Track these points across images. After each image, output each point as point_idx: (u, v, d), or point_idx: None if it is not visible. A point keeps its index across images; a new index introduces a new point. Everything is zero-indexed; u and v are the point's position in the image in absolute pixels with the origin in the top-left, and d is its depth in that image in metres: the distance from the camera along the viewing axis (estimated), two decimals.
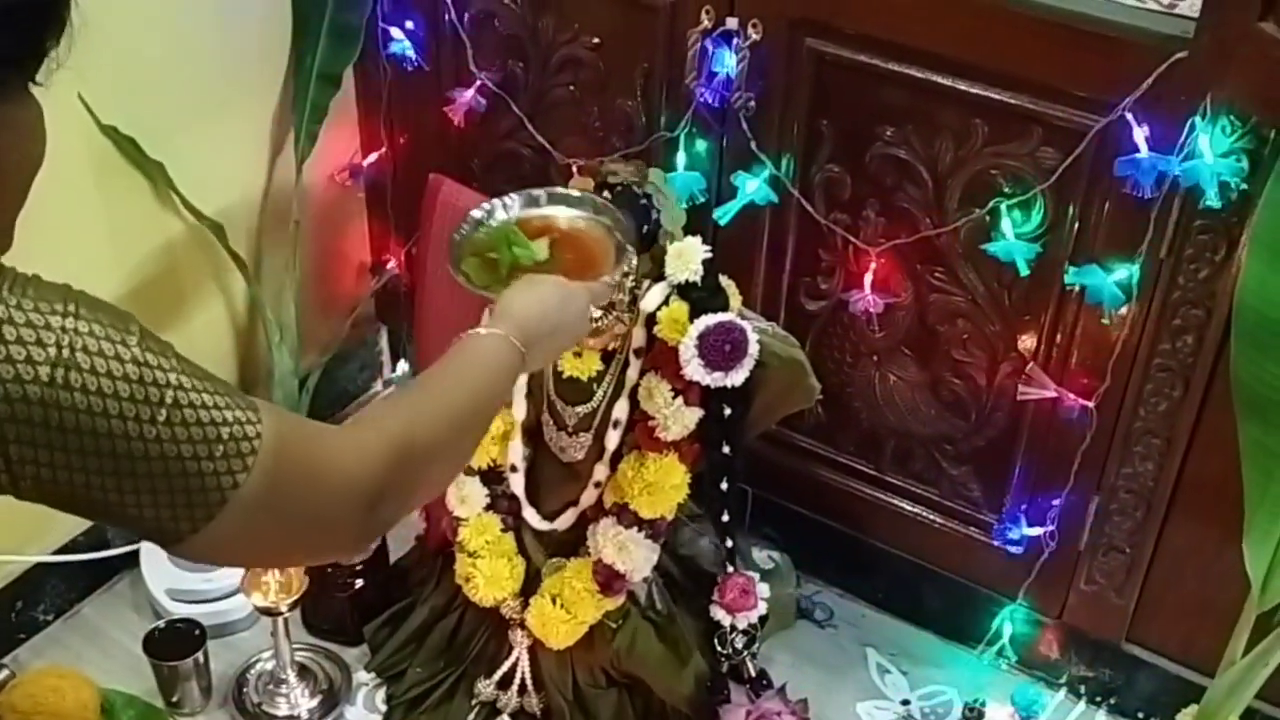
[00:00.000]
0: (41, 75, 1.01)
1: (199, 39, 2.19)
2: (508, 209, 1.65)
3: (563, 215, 1.65)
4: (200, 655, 2.12)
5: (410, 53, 2.31)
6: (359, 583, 2.22)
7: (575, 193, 1.67)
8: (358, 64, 2.35)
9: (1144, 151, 1.69)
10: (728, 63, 1.95)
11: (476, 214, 1.64)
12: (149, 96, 2.12)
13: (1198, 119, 1.65)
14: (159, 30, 2.11)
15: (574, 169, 1.95)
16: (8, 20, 0.97)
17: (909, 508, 2.19)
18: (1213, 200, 1.67)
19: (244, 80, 2.30)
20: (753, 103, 1.98)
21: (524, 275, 1.50)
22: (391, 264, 2.57)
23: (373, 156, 2.50)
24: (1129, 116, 1.69)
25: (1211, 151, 1.65)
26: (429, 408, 1.22)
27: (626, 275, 1.74)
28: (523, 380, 1.95)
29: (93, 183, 2.10)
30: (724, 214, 2.03)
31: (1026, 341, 1.95)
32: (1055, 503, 2.00)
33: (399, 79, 2.36)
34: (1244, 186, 1.67)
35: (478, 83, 2.24)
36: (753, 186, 2.01)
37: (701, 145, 2.06)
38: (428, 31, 2.29)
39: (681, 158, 2.07)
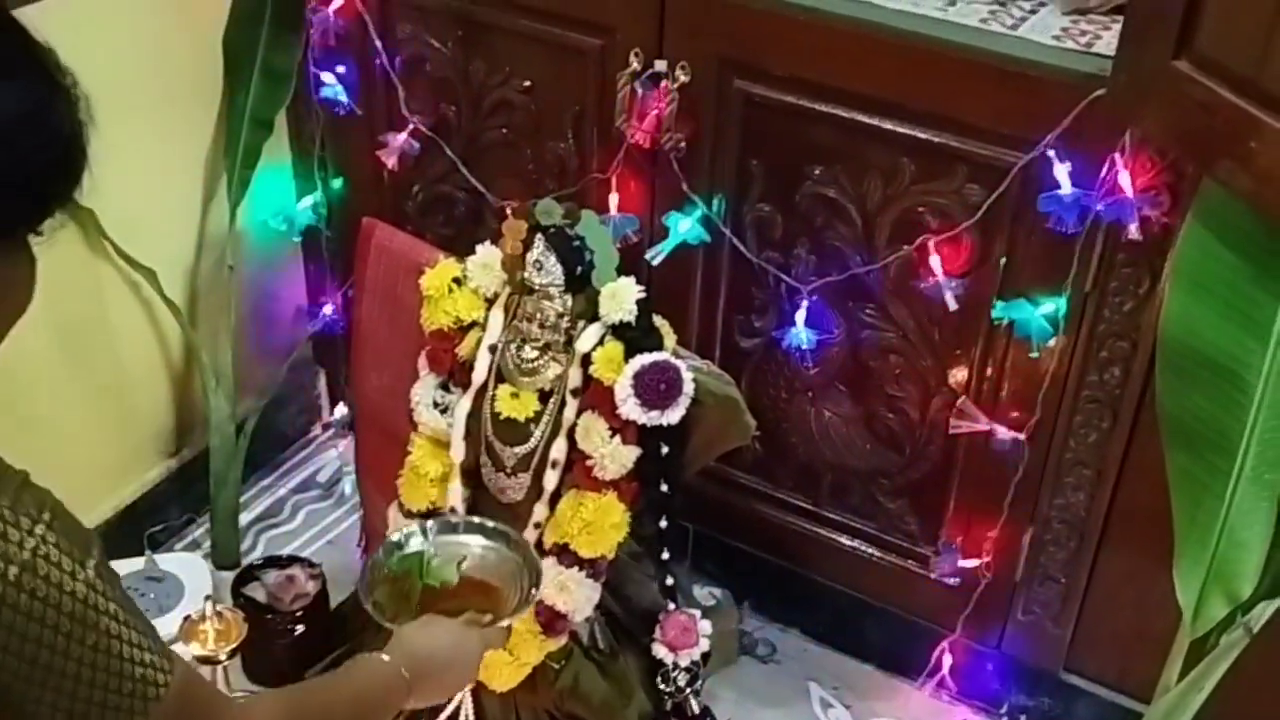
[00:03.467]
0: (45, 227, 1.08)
1: (128, 82, 2.17)
2: (426, 534, 1.70)
3: (476, 546, 1.70)
4: None
5: (342, 96, 2.31)
6: (299, 629, 2.21)
7: (490, 524, 1.72)
8: (290, 108, 2.36)
9: (1066, 188, 1.73)
10: (657, 105, 1.97)
11: (395, 538, 1.70)
12: None
13: (1117, 155, 1.69)
14: (86, 73, 2.09)
15: (508, 211, 1.96)
16: (26, 187, 1.05)
17: (847, 542, 2.22)
18: (1134, 234, 1.71)
19: (175, 124, 2.30)
20: (683, 144, 2.00)
21: (430, 610, 1.57)
22: (328, 307, 2.57)
23: (307, 200, 2.50)
24: (1051, 154, 1.73)
25: (1132, 187, 1.69)
26: (313, 710, 1.33)
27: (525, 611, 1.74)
28: (461, 421, 1.96)
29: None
30: (657, 254, 2.05)
31: (958, 375, 1.98)
32: (990, 534, 2.03)
33: (331, 123, 2.37)
34: (1165, 220, 1.71)
35: (410, 126, 2.26)
36: (685, 226, 2.03)
37: (634, 187, 2.08)
38: (359, 75, 2.30)
39: (615, 198, 2.09)
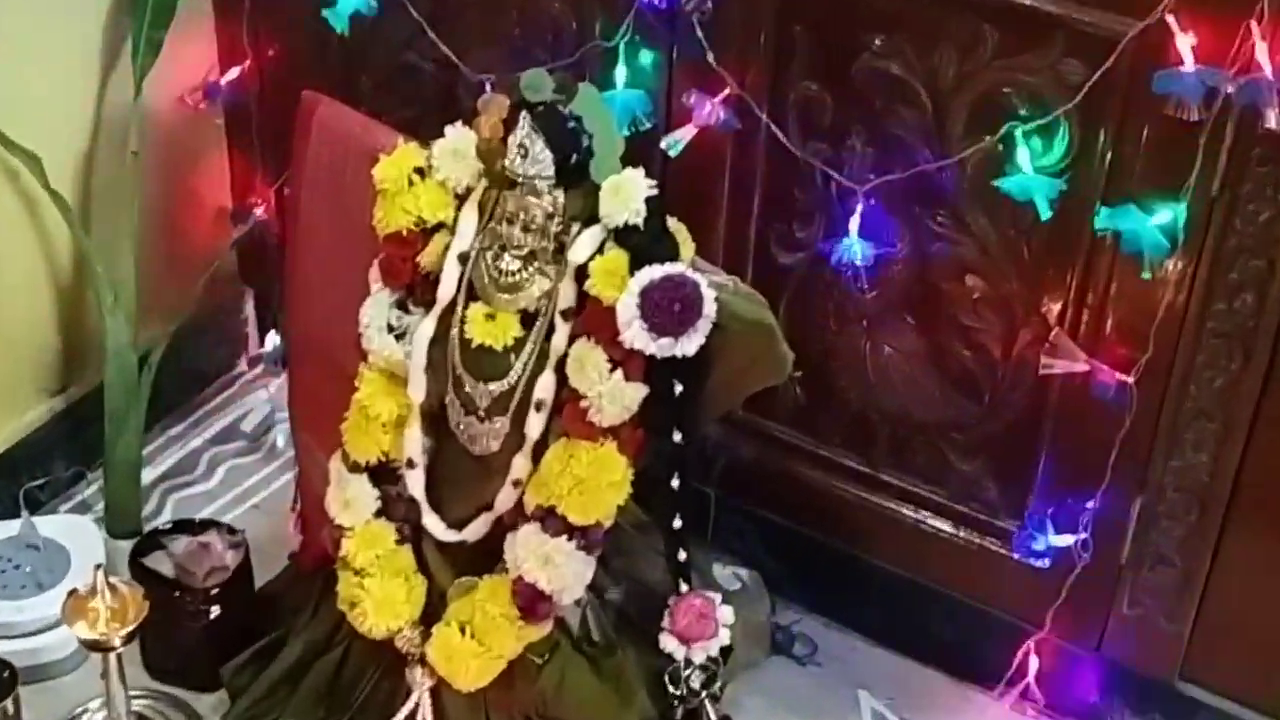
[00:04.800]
0: None
1: None
2: None
3: None
4: (9, 704, 2.19)
5: None
6: (215, 611, 2.31)
7: None
8: None
9: (1189, 64, 1.79)
10: None
11: None
12: None
13: (1254, 23, 1.75)
14: None
15: (486, 86, 2.03)
16: None
17: (909, 513, 2.31)
18: (1273, 123, 1.76)
19: None
20: (709, 4, 2.07)
21: None
22: (259, 209, 2.66)
23: (234, 72, 2.59)
24: (1170, 20, 1.79)
25: (1271, 63, 1.75)
26: None
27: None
28: (422, 350, 2.04)
29: None
30: (675, 143, 2.13)
31: (1051, 302, 2.06)
32: (1089, 505, 2.11)
33: None
34: None
35: None
36: (709, 109, 2.11)
37: (646, 57, 2.16)
38: None
39: (622, 72, 2.17)
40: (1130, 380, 2.01)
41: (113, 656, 2.16)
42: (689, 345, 1.90)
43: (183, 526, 2.40)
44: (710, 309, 1.90)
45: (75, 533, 2.47)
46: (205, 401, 2.85)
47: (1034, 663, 2.25)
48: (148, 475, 2.66)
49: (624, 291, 1.90)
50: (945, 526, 2.29)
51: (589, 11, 2.21)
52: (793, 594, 2.47)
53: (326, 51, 2.46)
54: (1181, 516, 2.09)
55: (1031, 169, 1.95)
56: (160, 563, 2.33)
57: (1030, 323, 2.09)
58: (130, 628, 2.13)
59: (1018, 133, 1.95)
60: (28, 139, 2.34)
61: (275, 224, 2.65)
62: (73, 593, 2.13)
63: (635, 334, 1.89)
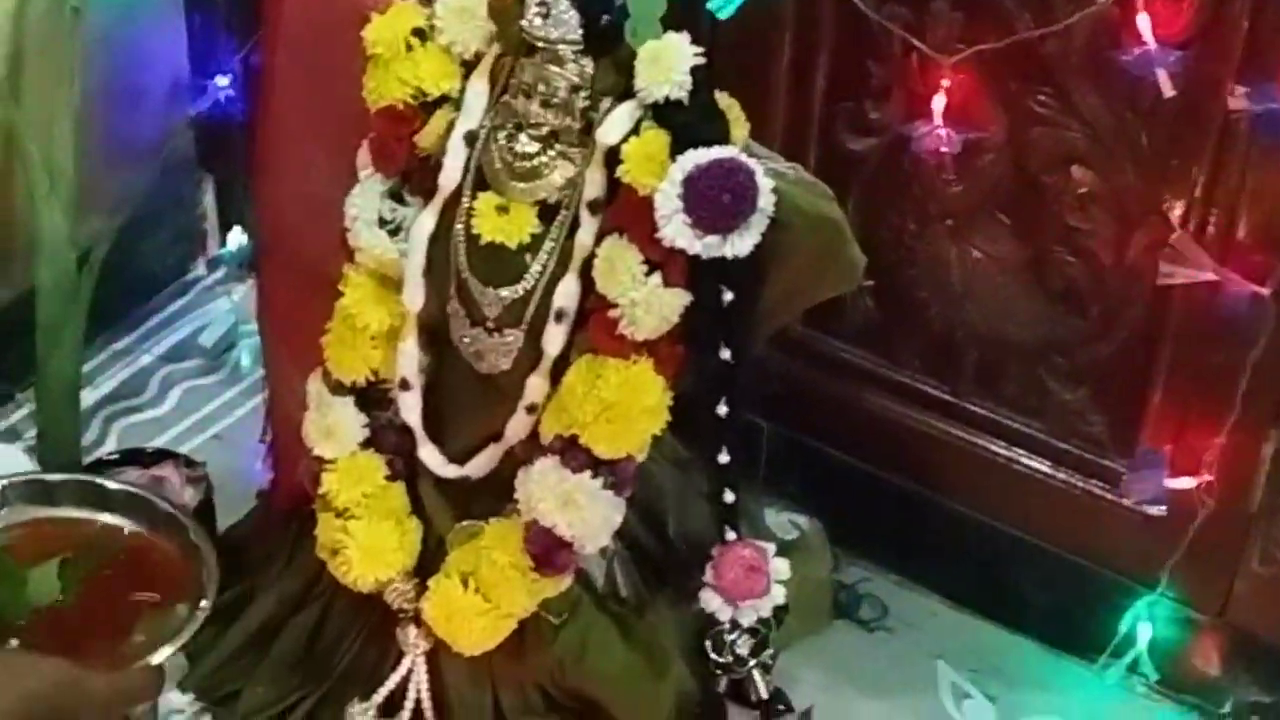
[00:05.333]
0: None
1: None
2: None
3: (95, 520, 1.68)
4: None
5: None
6: None
7: (130, 490, 1.71)
8: None
9: None
10: None
11: None
12: None
13: None
14: None
15: None
16: None
17: (1000, 450, 2.34)
18: None
19: None
20: None
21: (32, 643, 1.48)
22: (222, 79, 2.69)
23: None
24: None
25: None
26: None
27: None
28: (420, 247, 2.06)
29: None
30: (724, 4, 2.15)
31: (1172, 200, 2.08)
32: (1214, 440, 2.14)
33: None
34: None
35: None
36: None
37: None
38: None
39: None
40: (1266, 292, 2.03)
41: None
42: (741, 244, 1.91)
43: (132, 458, 2.45)
44: (766, 201, 1.90)
45: (2, 464, 2.51)
46: (156, 310, 2.90)
47: (1145, 630, 2.29)
48: (89, 397, 2.71)
49: (663, 179, 1.91)
50: (1042, 466, 2.32)
51: None
52: (859, 547, 2.51)
53: None
54: None
55: (1153, 39, 1.97)
56: None
57: (1147, 224, 2.11)
58: None
59: None
60: None
61: (241, 99, 2.67)
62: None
63: (677, 230, 1.90)
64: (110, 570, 1.59)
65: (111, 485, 1.70)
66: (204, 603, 1.58)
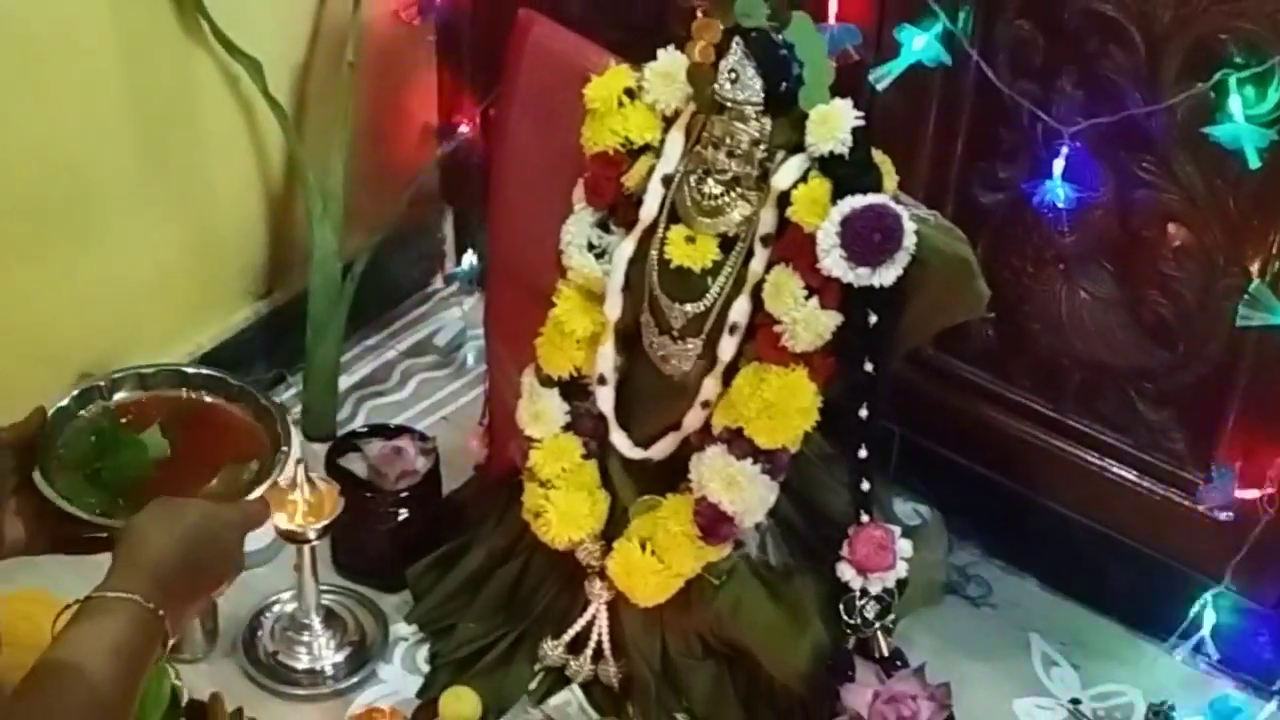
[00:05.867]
0: None
1: None
2: (104, 393, 1.67)
3: (179, 395, 1.69)
4: None
5: None
6: (403, 514, 2.37)
7: (206, 371, 1.72)
8: None
9: None
10: None
11: (63, 403, 1.64)
12: None
13: None
14: None
15: (697, 12, 2.05)
16: None
17: (1094, 460, 2.30)
18: None
19: None
20: None
21: (149, 493, 1.50)
22: (463, 127, 2.71)
23: None
24: None
25: None
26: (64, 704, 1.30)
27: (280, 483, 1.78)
28: (620, 268, 2.07)
29: (106, 2, 2.25)
30: (883, 76, 2.14)
31: (1253, 254, 2.03)
32: (1278, 460, 2.09)
33: None
34: None
35: None
36: (920, 43, 2.11)
37: None
38: None
39: (834, 3, 2.17)
40: None
41: (306, 549, 2.23)
42: (887, 275, 1.90)
43: (377, 431, 2.47)
44: (910, 241, 1.90)
45: None
46: (401, 315, 2.92)
47: (1210, 616, 2.24)
48: (344, 382, 2.73)
49: (825, 219, 1.91)
50: (1129, 475, 2.28)
51: None
52: (971, 536, 2.48)
53: None
54: None
55: (1243, 118, 1.92)
56: (354, 463, 2.39)
57: (1230, 274, 2.07)
58: (325, 522, 2.19)
59: (1231, 80, 1.92)
60: (250, 45, 2.40)
61: (479, 143, 2.69)
62: (274, 485, 2.18)
63: (834, 262, 1.90)
64: (195, 433, 1.64)
65: (191, 370, 1.73)
66: (284, 448, 1.64)
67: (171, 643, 1.41)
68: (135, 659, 1.35)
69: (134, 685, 1.36)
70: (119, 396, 1.68)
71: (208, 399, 1.69)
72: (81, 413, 1.63)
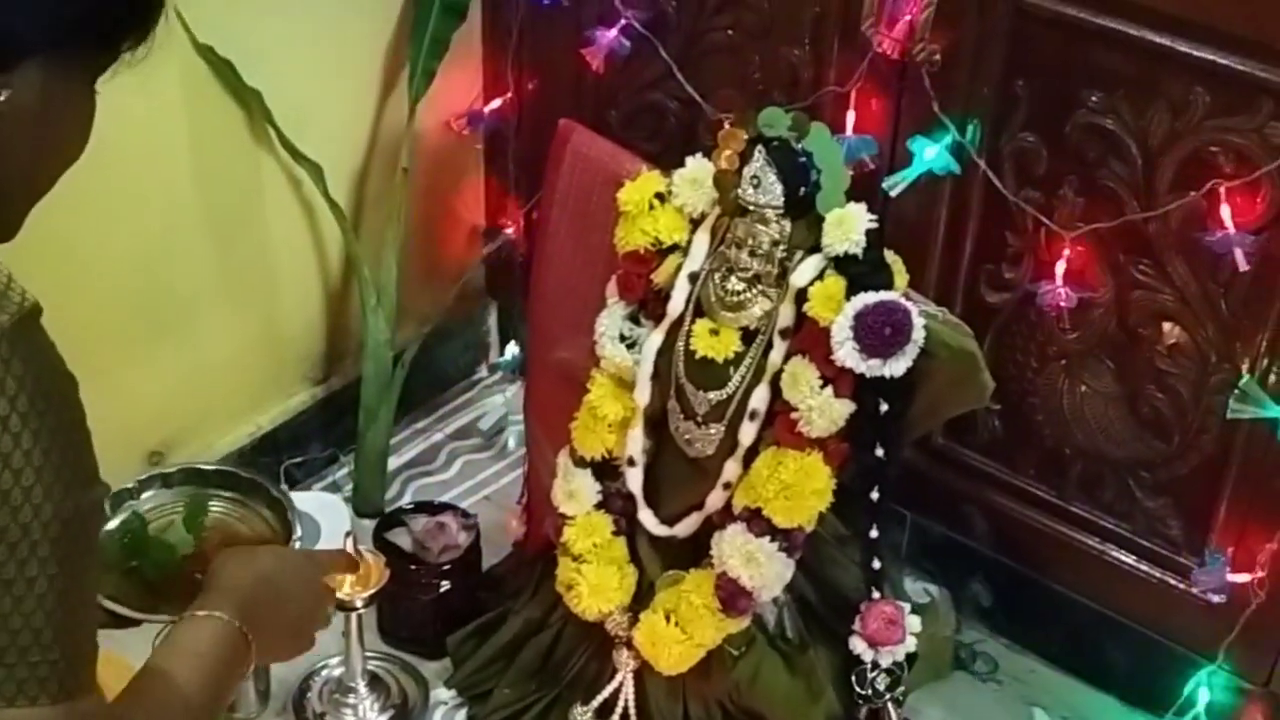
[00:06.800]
0: (106, 77, 1.20)
1: None
2: (134, 494, 1.75)
3: (205, 495, 1.76)
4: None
5: None
6: (445, 585, 2.38)
7: (222, 469, 1.80)
8: None
9: None
10: (911, 9, 2.08)
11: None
12: (251, 16, 2.32)
13: None
14: None
15: (725, 123, 2.08)
16: (96, 12, 1.16)
17: (1095, 544, 2.29)
18: None
19: (358, 5, 2.49)
20: (938, 57, 2.10)
21: (180, 585, 1.58)
22: (508, 229, 2.74)
23: (496, 102, 2.67)
24: None
25: None
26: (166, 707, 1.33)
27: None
28: (649, 358, 2.09)
29: (181, 107, 2.30)
30: (896, 184, 2.16)
31: (1243, 351, 2.04)
32: (1269, 546, 2.08)
33: (533, 14, 2.53)
34: None
35: (622, 21, 2.39)
36: (931, 153, 2.13)
37: (876, 104, 2.19)
38: None
39: (851, 116, 2.20)
40: None
41: (354, 617, 2.24)
42: (897, 367, 1.92)
43: (423, 507, 2.48)
44: (919, 334, 1.92)
45: (326, 509, 2.54)
46: (448, 401, 2.93)
47: (1204, 694, 2.22)
48: (393, 463, 2.74)
49: (839, 314, 1.93)
50: (1128, 559, 2.27)
51: (825, 59, 2.24)
52: (977, 615, 2.47)
53: (581, 87, 2.53)
54: None
55: (1233, 225, 1.94)
56: (400, 537, 2.41)
57: (1222, 369, 2.07)
58: (372, 591, 2.20)
59: (1222, 190, 1.94)
60: (312, 151, 2.44)
61: (522, 243, 2.72)
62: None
63: (847, 353, 1.92)
64: (216, 529, 1.72)
65: (209, 468, 1.81)
66: (296, 535, 1.72)
67: (252, 667, 1.46)
68: (221, 666, 1.40)
69: (219, 692, 1.40)
70: (146, 496, 1.75)
71: (222, 494, 1.76)
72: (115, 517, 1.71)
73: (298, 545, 1.71)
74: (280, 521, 1.72)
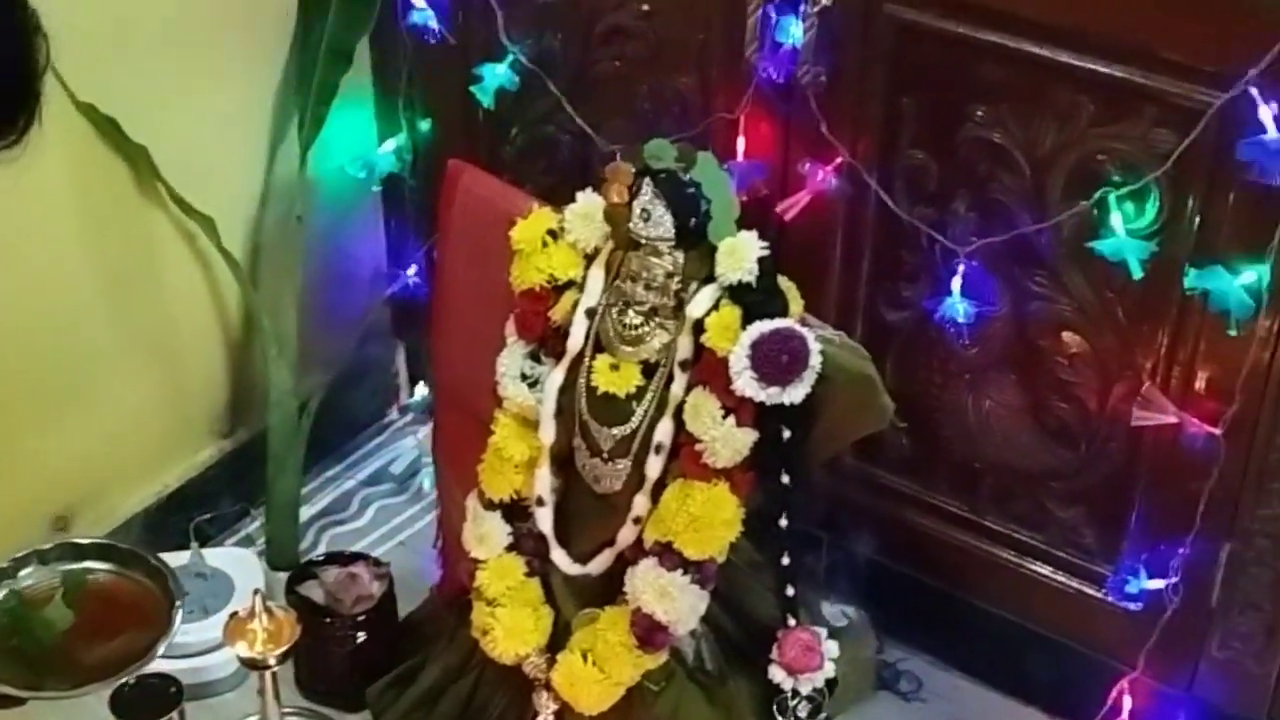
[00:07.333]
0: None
1: (191, 6, 2.36)
2: (10, 574, 1.77)
3: (83, 569, 1.79)
4: (176, 717, 2.25)
5: (433, 23, 2.46)
6: (361, 636, 2.36)
7: (99, 542, 1.82)
8: (373, 36, 2.52)
9: (1272, 132, 1.79)
10: (793, 32, 2.09)
11: None
12: (133, 71, 2.30)
13: None
14: None
15: (617, 155, 2.08)
16: None
17: (1011, 557, 2.30)
18: None
19: (242, 54, 2.47)
20: (823, 79, 2.11)
21: (61, 659, 1.63)
22: (411, 270, 2.72)
23: (390, 144, 2.65)
24: (1253, 92, 1.79)
25: None
26: None
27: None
28: (551, 397, 2.08)
29: (65, 168, 2.27)
30: (790, 207, 2.16)
31: (1143, 358, 2.05)
32: (1180, 551, 2.09)
33: (421, 54, 2.52)
34: None
35: (510, 57, 2.39)
36: (822, 176, 2.14)
37: (765, 128, 2.19)
38: None
39: (742, 142, 2.20)
40: (1218, 432, 1.99)
41: (268, 675, 2.21)
42: (795, 394, 1.92)
43: (334, 558, 2.45)
44: (815, 361, 1.92)
45: (239, 564, 2.54)
46: (359, 446, 2.92)
47: (1127, 702, 2.23)
48: (306, 513, 2.72)
49: (736, 344, 1.93)
50: (1044, 570, 2.28)
51: (712, 86, 2.25)
52: (900, 634, 2.47)
53: (474, 125, 2.52)
54: (1270, 563, 2.07)
55: (1124, 232, 1.96)
56: (312, 590, 2.39)
57: (1124, 377, 2.09)
58: (284, 648, 2.17)
59: (1111, 198, 1.96)
60: (203, 203, 2.42)
61: (425, 284, 2.71)
62: (234, 615, 2.19)
63: (746, 383, 1.92)
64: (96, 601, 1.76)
65: (85, 542, 1.84)
66: (177, 602, 1.77)
67: None
68: None
69: None
70: (23, 573, 1.73)
71: (99, 567, 1.76)
72: None
73: (180, 614, 1.69)
74: (162, 590, 1.70)
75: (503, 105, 2.44)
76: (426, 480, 2.79)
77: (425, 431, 2.84)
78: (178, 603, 1.69)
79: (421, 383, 2.90)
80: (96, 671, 1.82)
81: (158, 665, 2.29)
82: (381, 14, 2.46)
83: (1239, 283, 1.89)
